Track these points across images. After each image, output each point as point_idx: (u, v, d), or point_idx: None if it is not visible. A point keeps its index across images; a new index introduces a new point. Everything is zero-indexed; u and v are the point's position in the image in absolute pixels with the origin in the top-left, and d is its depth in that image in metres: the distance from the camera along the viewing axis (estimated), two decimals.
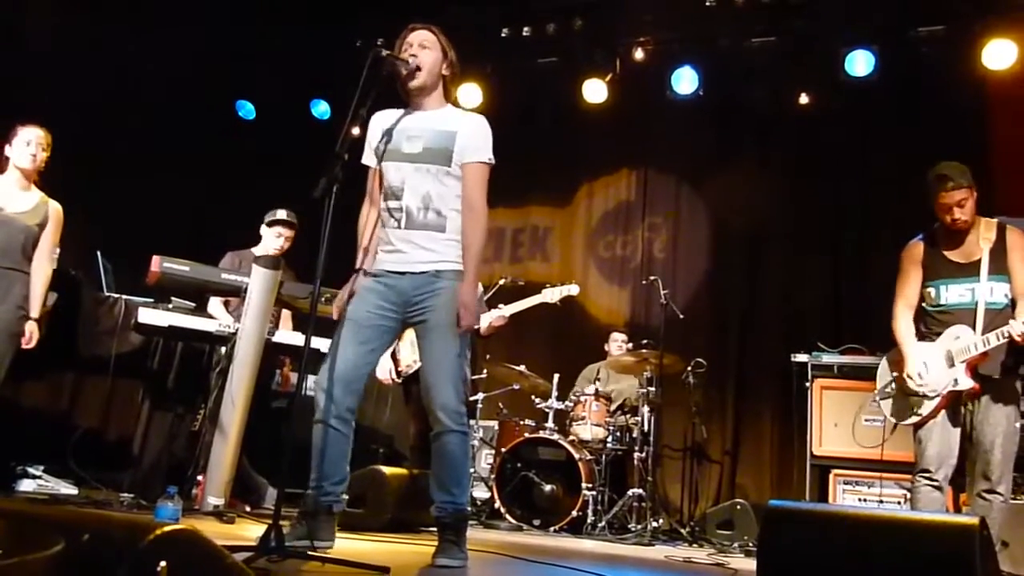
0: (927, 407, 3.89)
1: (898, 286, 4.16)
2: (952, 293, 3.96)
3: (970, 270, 3.93)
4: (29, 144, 4.53)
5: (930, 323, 4.02)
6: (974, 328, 3.84)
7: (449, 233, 3.40)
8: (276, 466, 3.88)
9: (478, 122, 3.50)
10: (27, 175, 4.57)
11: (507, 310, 5.68)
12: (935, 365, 3.90)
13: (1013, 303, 3.85)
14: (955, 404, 3.88)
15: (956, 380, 3.82)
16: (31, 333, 4.49)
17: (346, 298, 3.45)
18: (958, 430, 3.88)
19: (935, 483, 3.82)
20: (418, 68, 3.41)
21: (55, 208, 4.65)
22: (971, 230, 3.97)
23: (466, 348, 3.38)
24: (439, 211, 3.39)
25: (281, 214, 5.54)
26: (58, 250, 5.27)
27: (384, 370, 5.47)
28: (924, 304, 4.07)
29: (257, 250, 5.53)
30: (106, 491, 4.85)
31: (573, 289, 5.98)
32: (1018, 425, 3.82)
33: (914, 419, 3.94)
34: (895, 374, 4.07)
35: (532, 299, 5.87)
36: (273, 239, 5.51)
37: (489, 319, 5.55)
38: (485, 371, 6.52)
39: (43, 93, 6.20)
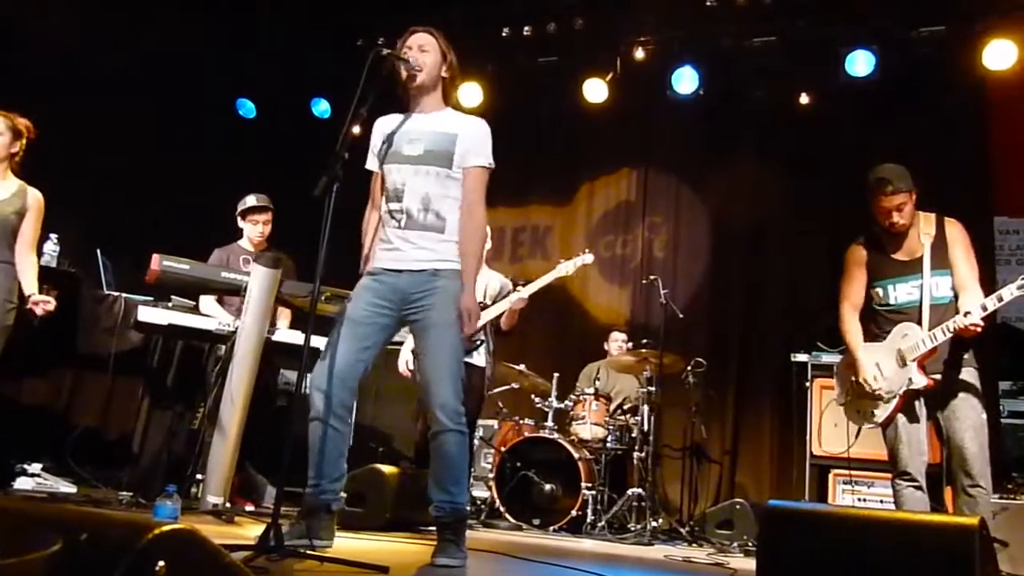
0: (886, 409, 3.92)
1: (842, 288, 4.18)
2: (900, 292, 3.98)
3: (914, 267, 3.95)
4: None
5: (881, 322, 4.05)
6: (920, 325, 3.86)
7: (448, 234, 3.42)
8: (275, 465, 3.88)
9: (478, 125, 3.52)
10: None
11: (525, 291, 5.51)
12: (888, 366, 3.94)
13: (957, 297, 3.87)
14: (911, 401, 3.90)
15: (911, 379, 3.85)
16: (44, 303, 4.34)
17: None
18: (923, 424, 3.89)
19: (916, 484, 3.84)
20: (418, 70, 3.43)
21: (35, 196, 4.49)
22: (912, 226, 3.98)
23: (463, 346, 3.40)
24: (439, 212, 3.41)
25: (251, 200, 5.55)
26: (57, 248, 5.27)
27: (402, 363, 5.42)
28: (873, 304, 4.09)
29: (243, 243, 5.55)
30: (105, 490, 4.85)
31: (587, 258, 5.73)
32: (984, 417, 3.82)
33: (875, 421, 3.98)
34: (852, 379, 4.09)
35: (549, 275, 5.63)
36: (252, 228, 5.53)
37: (508, 304, 5.42)
38: None
39: (43, 91, 6.19)
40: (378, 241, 3.51)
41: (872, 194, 3.96)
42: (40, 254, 4.91)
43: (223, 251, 5.52)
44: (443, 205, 3.41)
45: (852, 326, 4.11)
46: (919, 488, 3.84)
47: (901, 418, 3.90)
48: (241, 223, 5.58)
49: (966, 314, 3.68)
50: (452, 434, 3.30)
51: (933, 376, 3.84)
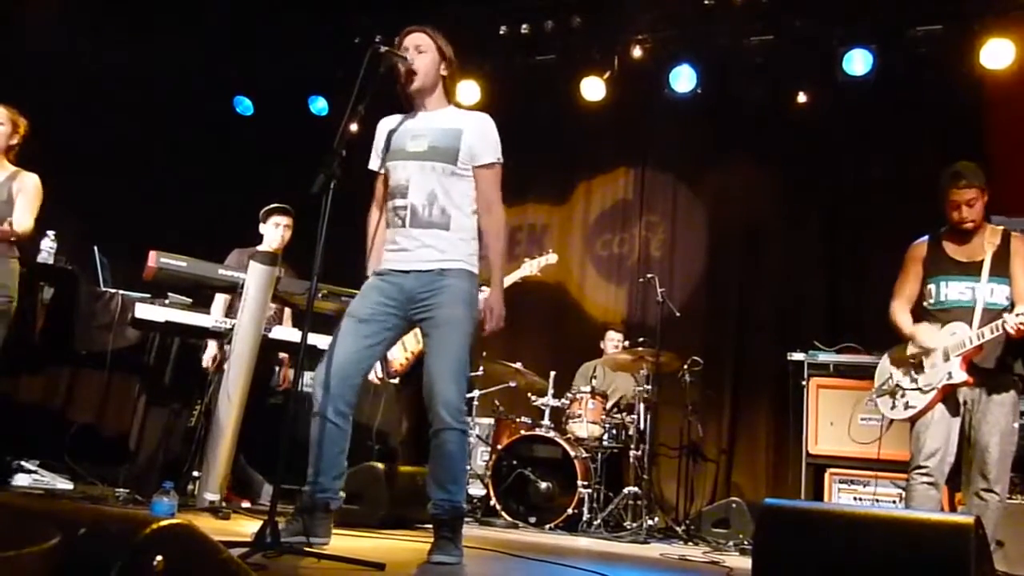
0: (923, 401, 3.91)
1: (898, 284, 4.19)
2: (952, 290, 3.97)
3: (972, 269, 3.95)
4: None
5: (930, 321, 4.04)
6: (971, 325, 3.85)
7: (454, 231, 3.41)
8: (272, 462, 3.88)
9: (484, 121, 3.52)
10: None
11: (488, 292, 5.58)
12: (931, 360, 3.93)
13: (1012, 306, 3.86)
14: (952, 398, 3.90)
15: (950, 373, 3.85)
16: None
17: None
18: (957, 424, 3.88)
19: (931, 480, 3.82)
20: (414, 72, 3.43)
21: (28, 178, 4.48)
22: (977, 233, 3.99)
23: (471, 346, 3.40)
24: (444, 209, 3.40)
25: (273, 205, 5.54)
26: (54, 245, 5.26)
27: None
28: (924, 303, 4.09)
29: (262, 247, 5.52)
30: (102, 486, 4.85)
31: (551, 258, 5.87)
32: (1016, 425, 3.83)
33: (909, 412, 3.96)
34: (898, 370, 4.08)
35: (513, 275, 5.76)
36: (273, 231, 5.49)
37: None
38: (481, 368, 6.51)
39: (42, 88, 6.18)
40: (384, 241, 3.51)
41: (945, 188, 3.99)
42: (38, 251, 4.91)
43: (242, 252, 5.47)
44: (448, 201, 3.41)
45: (904, 315, 4.12)
46: (934, 486, 3.82)
47: (940, 412, 3.89)
48: (262, 227, 5.53)
49: (1018, 314, 3.69)
50: (454, 432, 3.29)
51: (975, 373, 3.84)
